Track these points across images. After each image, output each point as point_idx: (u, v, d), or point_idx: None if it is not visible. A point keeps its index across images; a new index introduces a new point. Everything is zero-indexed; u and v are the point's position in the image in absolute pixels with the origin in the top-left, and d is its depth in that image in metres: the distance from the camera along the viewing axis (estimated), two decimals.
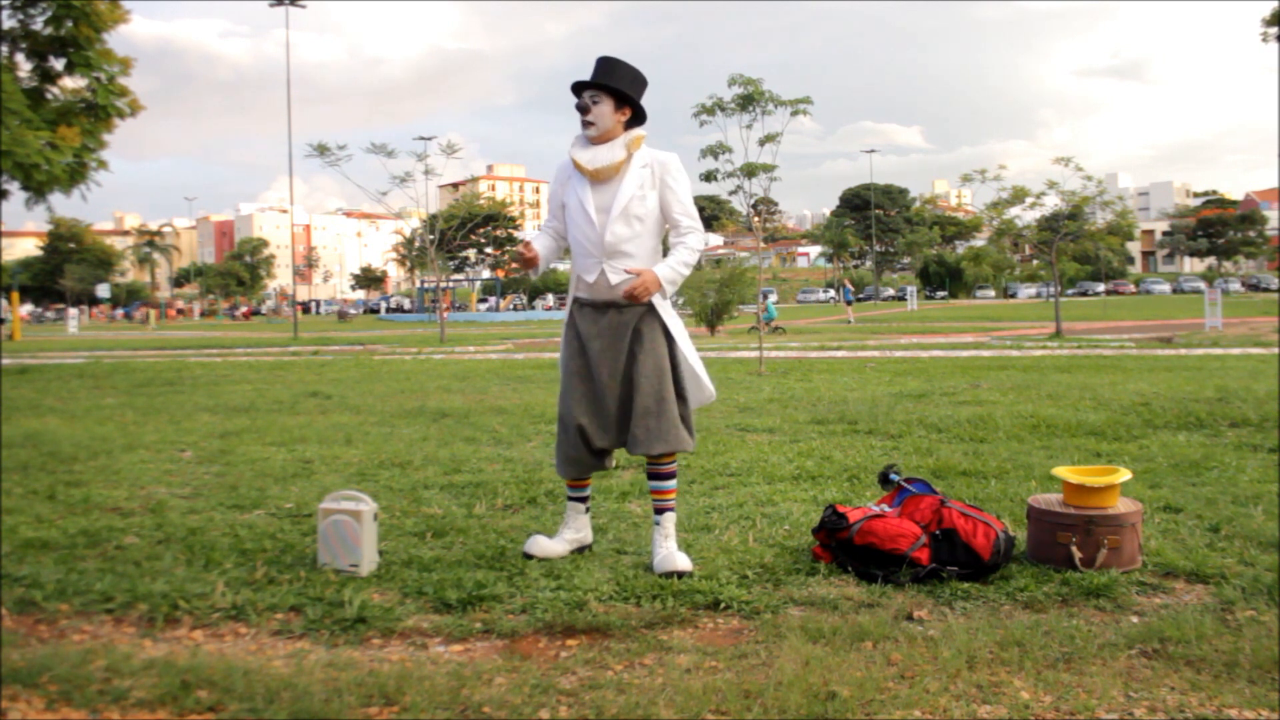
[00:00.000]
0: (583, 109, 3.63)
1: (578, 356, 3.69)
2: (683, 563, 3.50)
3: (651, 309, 3.66)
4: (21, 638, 3.00)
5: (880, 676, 2.59)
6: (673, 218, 3.69)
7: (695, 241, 3.68)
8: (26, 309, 74.60)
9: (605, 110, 3.61)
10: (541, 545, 3.74)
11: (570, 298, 3.79)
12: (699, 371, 3.75)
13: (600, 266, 3.62)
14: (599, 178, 3.62)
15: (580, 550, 3.83)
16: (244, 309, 76.29)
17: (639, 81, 3.67)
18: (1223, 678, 2.59)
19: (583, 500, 3.86)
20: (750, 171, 13.06)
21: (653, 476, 3.70)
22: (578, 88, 3.65)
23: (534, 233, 3.87)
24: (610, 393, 3.62)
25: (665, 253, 3.71)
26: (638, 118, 3.70)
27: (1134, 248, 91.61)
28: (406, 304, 74.95)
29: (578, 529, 3.84)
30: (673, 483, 3.70)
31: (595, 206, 3.62)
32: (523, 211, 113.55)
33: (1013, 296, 70.49)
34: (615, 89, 3.61)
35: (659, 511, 3.66)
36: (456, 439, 6.86)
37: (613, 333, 3.63)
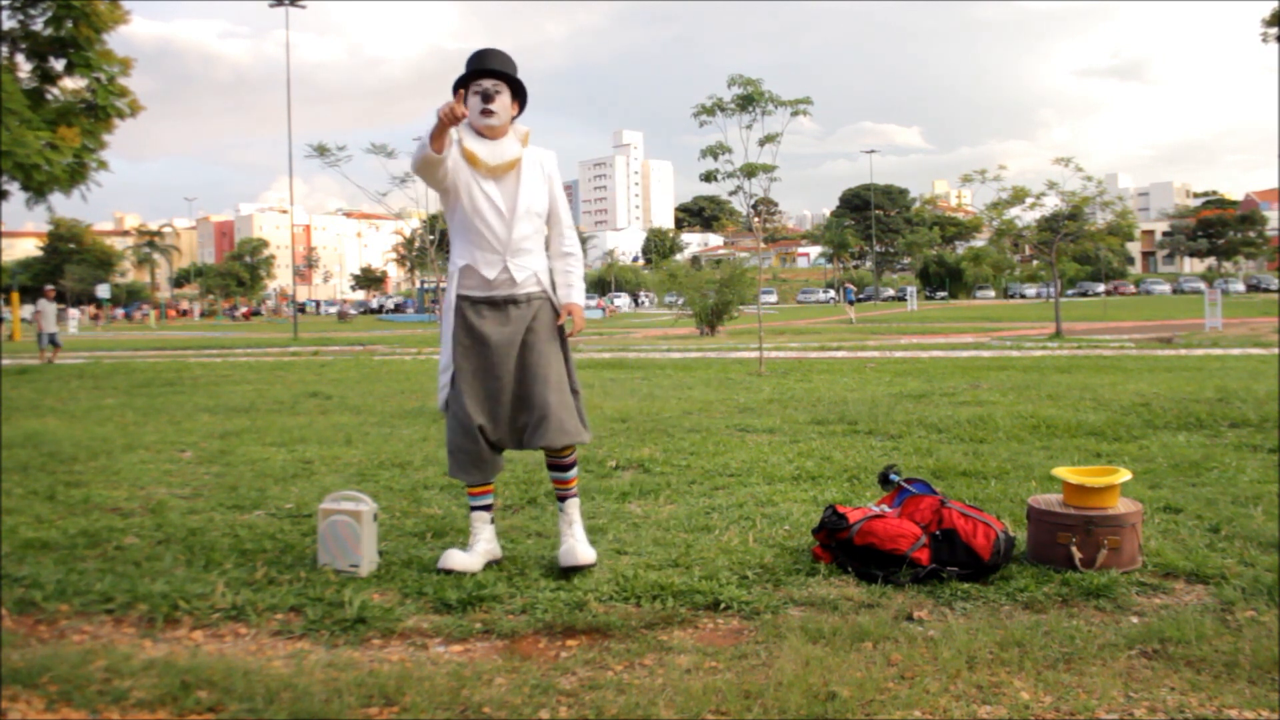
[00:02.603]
0: (486, 96, 3.50)
1: (472, 355, 3.56)
2: (585, 556, 3.49)
3: (545, 302, 3.64)
4: (21, 638, 3.00)
5: (880, 677, 2.59)
6: (558, 216, 3.71)
7: (578, 248, 3.79)
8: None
9: (506, 102, 3.54)
10: (457, 560, 3.56)
11: (454, 294, 3.61)
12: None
13: (504, 262, 3.55)
14: (494, 174, 3.54)
15: (492, 564, 3.66)
16: (244, 309, 76.30)
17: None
18: (1223, 678, 2.59)
19: (487, 509, 3.70)
20: (750, 172, 13.06)
21: (554, 468, 3.67)
22: (476, 74, 3.53)
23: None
24: (507, 389, 3.55)
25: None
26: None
27: (1134, 248, 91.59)
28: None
29: (488, 540, 3.68)
30: (574, 471, 3.69)
31: (504, 206, 3.55)
32: None
33: (1019, 297, 70.35)
34: (515, 80, 3.56)
35: (562, 499, 3.66)
36: None
37: (511, 326, 3.57)
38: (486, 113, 3.50)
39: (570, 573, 3.46)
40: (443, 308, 3.73)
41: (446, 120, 3.32)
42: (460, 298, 3.60)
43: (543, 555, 3.78)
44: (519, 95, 3.61)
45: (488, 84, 3.51)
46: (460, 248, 3.61)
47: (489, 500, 3.72)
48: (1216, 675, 2.61)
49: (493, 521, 3.73)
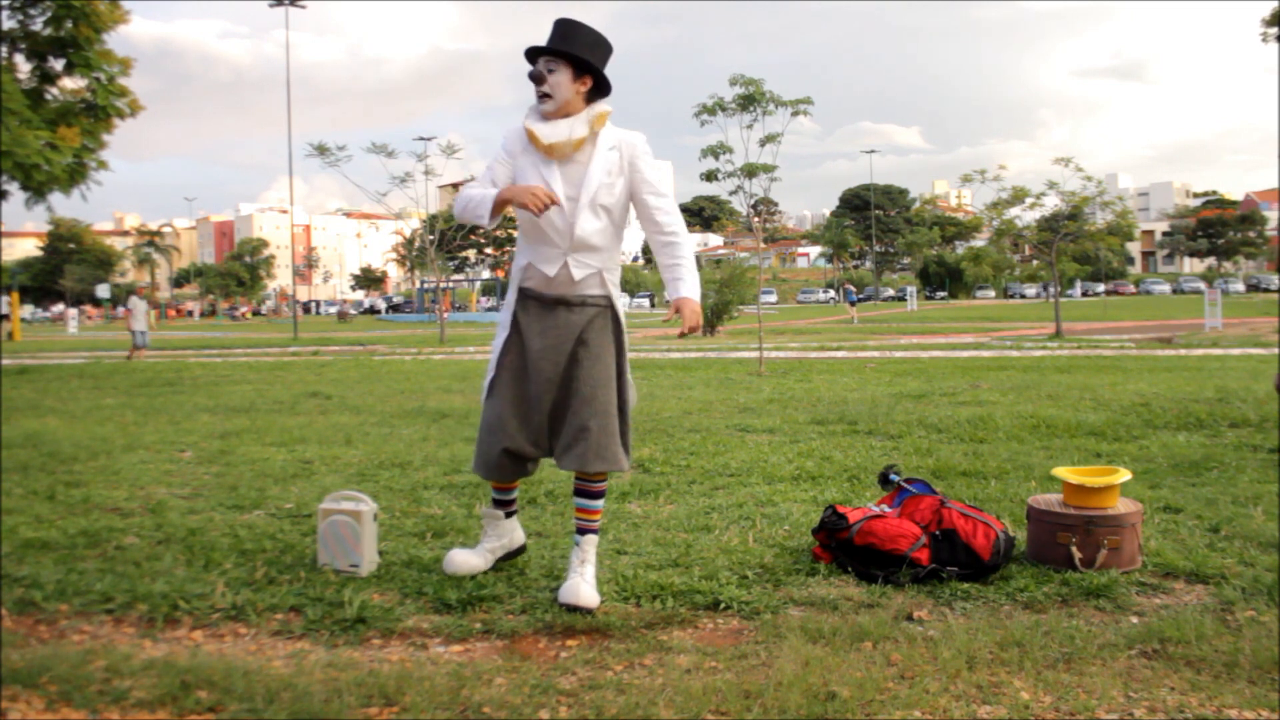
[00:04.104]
0: (536, 78, 3.22)
1: (514, 353, 3.33)
2: (587, 597, 3.13)
3: (604, 311, 3.32)
4: (21, 638, 3.00)
5: (880, 677, 2.59)
6: (645, 201, 3.30)
7: (682, 231, 3.33)
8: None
9: (562, 80, 3.20)
10: (458, 563, 3.47)
11: (514, 288, 3.37)
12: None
13: (564, 259, 3.24)
14: (554, 155, 3.21)
15: (510, 557, 3.61)
16: (244, 309, 76.33)
17: (601, 47, 3.27)
18: (1223, 678, 2.59)
19: (506, 504, 3.56)
20: (750, 172, 13.07)
21: (581, 494, 3.34)
22: (532, 54, 3.25)
23: (475, 185, 3.32)
24: (545, 397, 3.28)
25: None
26: (599, 90, 3.30)
27: (1134, 248, 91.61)
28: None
29: (499, 535, 3.56)
30: (601, 503, 3.37)
31: (565, 193, 3.21)
32: None
33: (1019, 297, 70.30)
34: (573, 56, 3.21)
35: (581, 532, 3.32)
36: (456, 439, 6.86)
37: (558, 332, 3.26)
38: (541, 96, 3.23)
39: (568, 611, 3.13)
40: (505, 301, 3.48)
41: (535, 210, 3.11)
42: (519, 292, 3.36)
43: (543, 555, 3.78)
44: (591, 69, 3.24)
45: (540, 65, 3.23)
46: (522, 244, 3.36)
47: (509, 497, 3.57)
48: (1216, 675, 2.61)
49: (510, 515, 3.58)
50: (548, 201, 3.11)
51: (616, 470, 3.30)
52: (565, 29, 3.25)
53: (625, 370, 3.37)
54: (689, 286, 3.27)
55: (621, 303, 3.43)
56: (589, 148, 3.25)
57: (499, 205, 3.19)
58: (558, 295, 3.29)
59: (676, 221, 3.34)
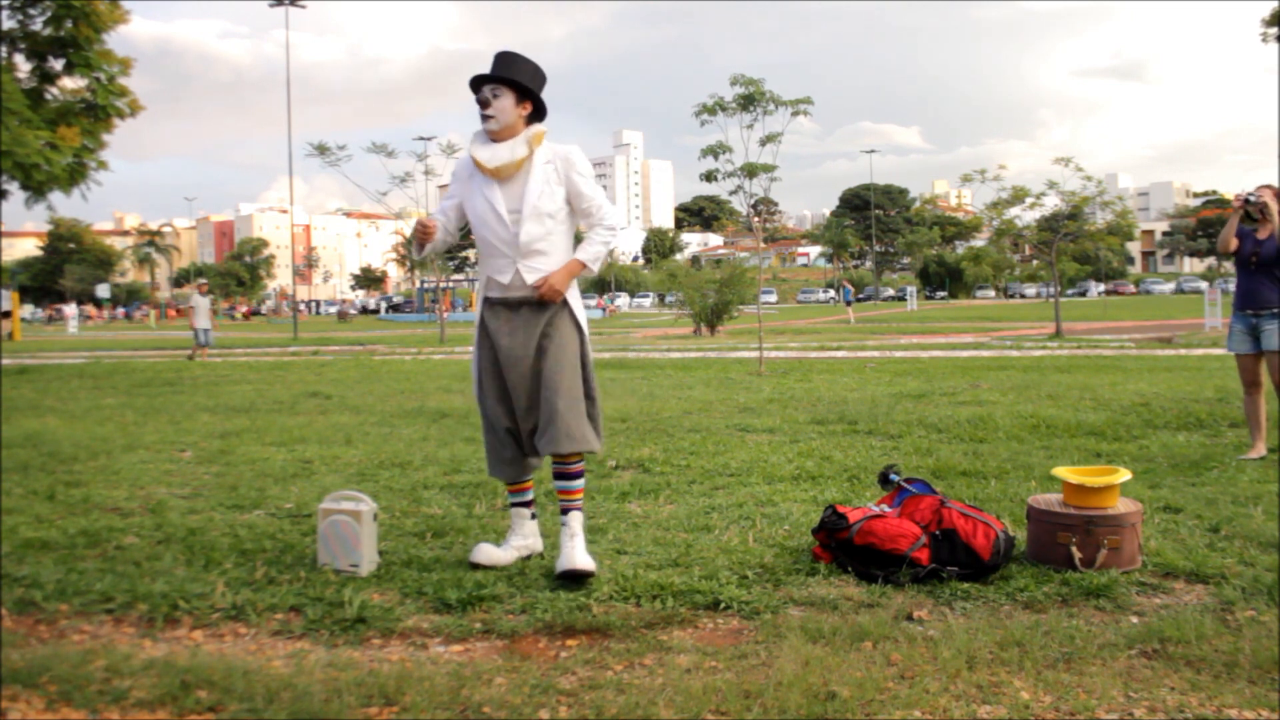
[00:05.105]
0: (483, 103, 3.58)
1: (489, 356, 3.65)
2: (583, 561, 3.43)
3: (562, 308, 3.62)
4: (21, 638, 3.00)
5: (880, 676, 2.59)
6: (582, 207, 3.66)
7: (611, 219, 3.69)
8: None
9: (506, 104, 3.57)
10: (488, 554, 3.66)
11: (480, 298, 3.71)
12: None
13: (515, 266, 3.57)
14: (499, 176, 3.57)
15: (529, 558, 3.77)
16: (241, 308, 76.36)
17: (539, 76, 3.65)
18: (1223, 678, 2.59)
19: (526, 505, 3.80)
20: (751, 171, 13.06)
21: (559, 476, 3.62)
22: (476, 82, 3.61)
23: (435, 213, 3.79)
24: (519, 390, 3.59)
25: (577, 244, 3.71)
26: (538, 114, 3.67)
27: (1134, 248, 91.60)
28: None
29: (525, 535, 3.78)
30: (580, 482, 3.63)
31: (506, 207, 3.57)
32: None
33: (1019, 297, 70.23)
34: (515, 82, 3.57)
35: (565, 511, 3.59)
36: (456, 439, 6.86)
37: (525, 330, 3.58)
38: (485, 118, 3.59)
39: (567, 580, 3.40)
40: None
41: (419, 237, 3.66)
42: (484, 300, 3.68)
43: (542, 555, 3.78)
44: (531, 95, 3.62)
45: (485, 91, 3.58)
46: (480, 257, 3.70)
47: (527, 497, 3.81)
48: (1216, 675, 2.61)
49: (534, 516, 3.83)
50: (422, 225, 3.63)
51: (587, 450, 3.55)
52: (507, 59, 3.61)
53: (589, 358, 3.65)
54: (583, 250, 3.63)
55: (579, 304, 3.71)
56: (526, 165, 3.59)
57: (418, 243, 3.69)
58: (519, 298, 3.60)
59: (609, 212, 3.71)
